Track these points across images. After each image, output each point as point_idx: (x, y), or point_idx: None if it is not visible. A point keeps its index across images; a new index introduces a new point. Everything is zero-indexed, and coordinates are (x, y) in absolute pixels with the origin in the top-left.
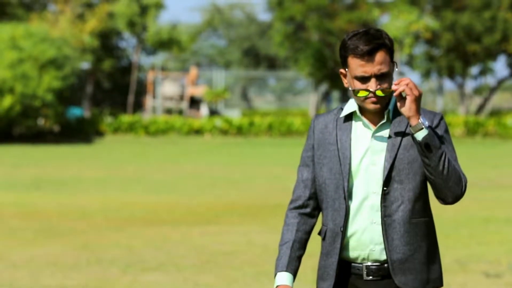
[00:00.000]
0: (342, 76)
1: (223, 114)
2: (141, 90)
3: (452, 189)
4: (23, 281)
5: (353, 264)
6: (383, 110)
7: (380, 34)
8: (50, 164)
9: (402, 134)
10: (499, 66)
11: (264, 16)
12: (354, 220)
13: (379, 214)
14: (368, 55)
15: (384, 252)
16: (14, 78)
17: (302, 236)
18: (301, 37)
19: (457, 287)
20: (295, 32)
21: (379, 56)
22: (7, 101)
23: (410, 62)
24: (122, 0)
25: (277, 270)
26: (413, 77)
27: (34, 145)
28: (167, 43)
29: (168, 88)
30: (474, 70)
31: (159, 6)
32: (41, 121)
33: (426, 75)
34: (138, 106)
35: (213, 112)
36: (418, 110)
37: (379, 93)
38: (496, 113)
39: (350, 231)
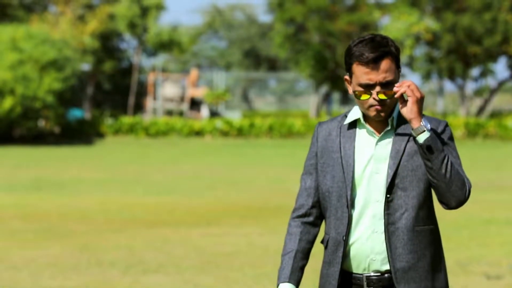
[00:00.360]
0: (346, 83)
1: (223, 115)
2: (142, 91)
3: (455, 193)
4: (24, 282)
5: (353, 274)
6: (387, 118)
7: (386, 41)
8: (50, 165)
9: (406, 141)
10: (500, 67)
11: (264, 17)
12: (355, 229)
13: (381, 222)
14: (373, 63)
15: (385, 262)
16: (15, 80)
17: (305, 246)
18: (301, 38)
19: None
20: (296, 34)
21: (385, 64)
22: (8, 102)
23: (411, 63)
24: (123, 1)
25: (279, 280)
26: (413, 78)
27: (34, 147)
28: (167, 45)
29: (168, 89)
30: (475, 71)
31: (160, 8)
32: (41, 123)
33: (427, 76)
34: (139, 107)
35: (213, 114)
36: (420, 112)
37: (381, 96)
38: (496, 114)
39: (351, 240)
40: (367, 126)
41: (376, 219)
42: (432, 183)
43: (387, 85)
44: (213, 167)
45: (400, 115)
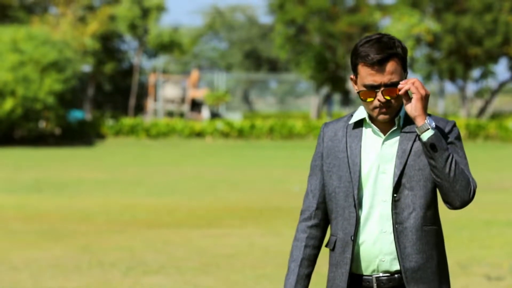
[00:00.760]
0: (352, 82)
1: (224, 116)
2: (143, 92)
3: (460, 193)
4: (25, 284)
5: (363, 276)
6: (394, 118)
7: (393, 42)
8: (51, 166)
9: (413, 141)
10: (501, 69)
11: (265, 18)
12: (364, 230)
13: (389, 222)
14: (379, 65)
15: (395, 263)
16: (16, 81)
17: (311, 252)
18: (302, 39)
19: None
20: (297, 35)
21: (390, 65)
22: (9, 104)
23: (412, 65)
24: (124, 2)
25: None
26: None
27: (35, 148)
28: (168, 46)
29: (169, 90)
30: (476, 73)
31: (161, 9)
32: (42, 124)
33: (427, 78)
34: (140, 108)
35: (214, 115)
36: (425, 110)
37: (385, 95)
38: (497, 116)
39: (359, 241)
40: (373, 126)
41: (384, 219)
42: (436, 182)
43: (392, 87)
44: (213, 168)
45: (407, 114)
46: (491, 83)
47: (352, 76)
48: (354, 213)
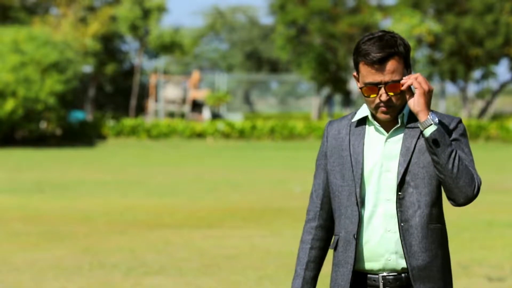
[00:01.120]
0: (355, 80)
1: (225, 117)
2: (144, 93)
3: (463, 189)
4: (26, 285)
5: (368, 275)
6: (397, 116)
7: (395, 40)
8: (52, 167)
9: (417, 138)
10: (502, 69)
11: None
12: (367, 229)
13: (394, 221)
14: (379, 64)
15: (401, 261)
16: (17, 82)
17: (317, 254)
18: (303, 40)
19: None
20: (297, 36)
21: (391, 64)
22: (10, 104)
23: (413, 65)
24: (125, 3)
25: None
26: None
27: (36, 149)
28: (169, 47)
29: (170, 91)
30: (477, 73)
31: (162, 10)
32: (43, 125)
33: (428, 78)
34: (141, 109)
35: (215, 116)
36: (428, 105)
37: (389, 92)
38: (498, 116)
39: (363, 240)
40: (376, 123)
41: (388, 218)
42: (440, 178)
43: (394, 83)
44: (214, 169)
45: (411, 112)
46: (492, 84)
47: (355, 74)
48: (356, 211)
